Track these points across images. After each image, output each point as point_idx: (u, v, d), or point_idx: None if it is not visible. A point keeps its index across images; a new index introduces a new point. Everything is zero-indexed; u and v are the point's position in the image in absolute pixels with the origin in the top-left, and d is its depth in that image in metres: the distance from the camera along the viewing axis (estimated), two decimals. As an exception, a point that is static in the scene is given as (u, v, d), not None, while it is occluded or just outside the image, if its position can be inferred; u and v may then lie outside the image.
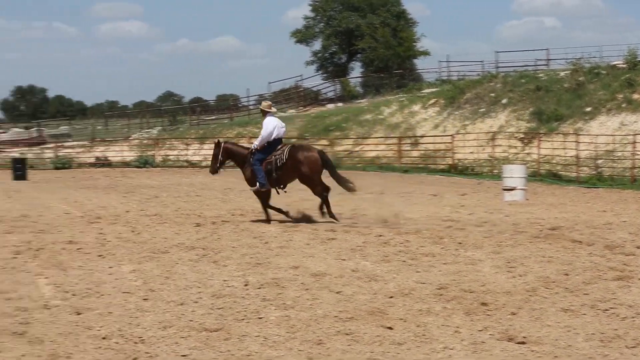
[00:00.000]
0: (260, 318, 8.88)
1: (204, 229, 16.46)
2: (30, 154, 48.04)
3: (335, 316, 8.93)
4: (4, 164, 43.86)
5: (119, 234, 15.64)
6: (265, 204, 17.94)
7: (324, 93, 65.86)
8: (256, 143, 17.92)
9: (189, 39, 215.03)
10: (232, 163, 18.80)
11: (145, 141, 52.86)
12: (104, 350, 7.64)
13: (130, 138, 56.44)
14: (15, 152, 48.78)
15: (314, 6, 68.28)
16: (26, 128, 71.45)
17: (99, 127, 73.70)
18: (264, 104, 18.39)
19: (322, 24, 68.43)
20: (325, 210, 17.71)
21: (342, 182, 17.68)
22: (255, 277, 11.11)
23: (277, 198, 18.13)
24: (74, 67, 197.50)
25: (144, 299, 9.80)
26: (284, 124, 18.41)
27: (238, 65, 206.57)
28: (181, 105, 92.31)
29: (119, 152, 48.95)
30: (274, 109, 18.47)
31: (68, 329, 8.36)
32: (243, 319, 8.84)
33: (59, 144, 52.35)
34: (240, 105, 72.15)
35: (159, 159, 46.41)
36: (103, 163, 46.15)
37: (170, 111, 76.59)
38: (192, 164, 45.44)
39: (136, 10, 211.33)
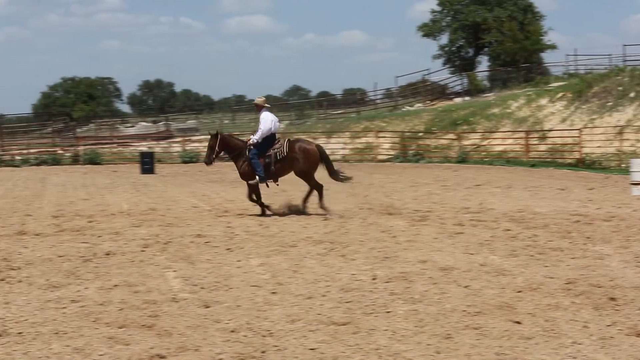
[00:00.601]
0: (388, 312, 8.94)
1: (332, 222, 16.57)
2: (158, 147, 49.34)
3: (464, 310, 8.93)
4: (132, 158, 45.14)
5: (247, 227, 15.92)
6: (258, 197, 18.43)
7: (451, 87, 65.63)
8: (256, 137, 18.20)
9: (316, 33, 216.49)
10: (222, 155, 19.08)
11: (272, 135, 53.50)
12: (232, 343, 7.81)
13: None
14: (143, 146, 50.12)
15: (441, 0, 68.11)
16: (154, 122, 73.38)
17: (226, 121, 75.08)
18: (259, 99, 18.83)
19: (449, 17, 68.45)
20: (306, 203, 18.45)
21: (337, 175, 18.67)
22: (383, 271, 11.19)
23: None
24: (201, 61, 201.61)
25: (272, 293, 9.98)
26: (278, 119, 18.98)
27: (365, 59, 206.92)
28: (308, 100, 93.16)
29: (246, 146, 49.79)
30: (267, 105, 18.83)
31: (196, 321, 8.59)
32: (371, 313, 8.92)
33: (187, 138, 53.52)
34: (367, 99, 72.36)
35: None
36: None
37: (297, 105, 77.40)
38: (319, 158, 45.82)
39: (263, 5, 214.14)
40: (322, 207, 18.08)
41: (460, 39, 67.99)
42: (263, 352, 7.54)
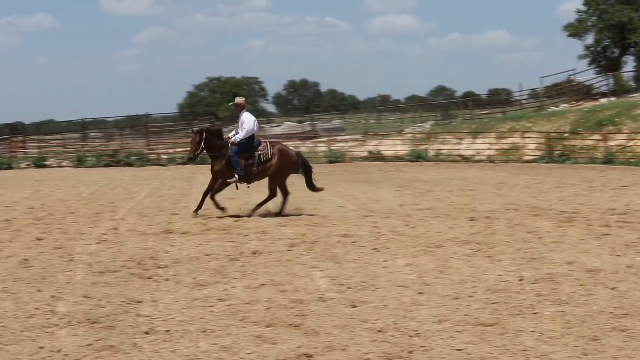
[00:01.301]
0: (535, 313, 8.91)
1: (478, 223, 16.51)
2: (303, 147, 49.81)
3: (611, 312, 8.86)
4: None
5: (393, 227, 15.94)
6: (214, 194, 18.60)
7: (597, 87, 64.49)
8: (240, 136, 18.39)
9: (460, 33, 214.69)
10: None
11: (417, 135, 53.41)
12: (379, 343, 7.85)
13: (403, 132, 57.25)
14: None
15: (587, 0, 66.99)
16: (299, 122, 74.24)
17: (372, 121, 75.36)
18: (239, 99, 19.15)
19: (595, 17, 67.69)
20: (282, 208, 18.74)
21: (314, 187, 19.55)
22: (530, 272, 11.15)
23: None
24: (345, 61, 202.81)
25: (419, 293, 10.01)
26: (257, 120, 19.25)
27: (509, 59, 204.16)
28: (453, 100, 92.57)
29: (391, 146, 49.78)
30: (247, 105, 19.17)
31: (343, 321, 8.66)
32: (518, 314, 8.90)
33: (332, 138, 53.93)
34: (512, 100, 71.57)
35: (431, 153, 46.70)
36: (376, 157, 47.07)
37: (443, 105, 77.13)
38: (465, 158, 45.38)
39: (408, 4, 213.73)
40: (281, 212, 18.51)
41: (605, 38, 67.11)
42: (410, 352, 7.57)
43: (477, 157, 45.02)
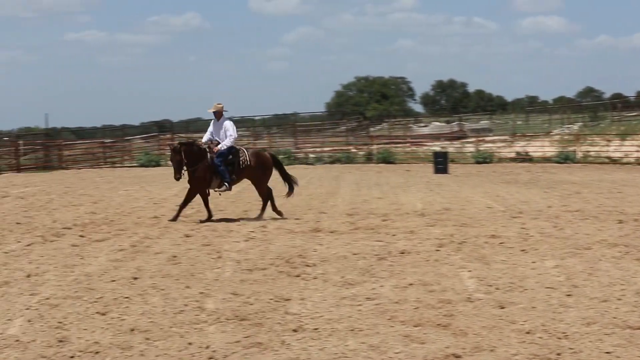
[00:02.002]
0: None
1: (627, 226, 16.13)
2: (451, 147, 49.49)
3: None
4: (425, 158, 45.60)
5: (541, 229, 15.66)
6: (186, 203, 18.27)
7: None
8: (227, 143, 18.07)
9: (609, 35, 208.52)
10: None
11: (565, 137, 52.30)
12: (527, 344, 7.74)
13: (551, 133, 56.16)
14: (437, 146, 50.51)
15: None
16: (447, 122, 73.72)
17: (519, 122, 74.17)
18: (219, 105, 18.48)
19: None
20: (275, 208, 18.51)
21: (291, 181, 19.28)
22: None
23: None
24: (493, 61, 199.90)
25: (567, 295, 9.83)
26: None
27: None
28: (601, 101, 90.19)
29: (539, 148, 48.88)
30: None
31: (492, 322, 8.55)
32: None
33: (480, 139, 53.35)
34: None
35: (579, 154, 45.60)
36: (524, 158, 46.31)
37: (591, 107, 75.31)
38: (613, 161, 44.12)
39: (557, 5, 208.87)
40: (259, 217, 18.19)
41: None
42: (558, 354, 7.46)
43: (625, 160, 43.71)
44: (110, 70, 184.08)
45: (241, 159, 18.37)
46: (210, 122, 18.73)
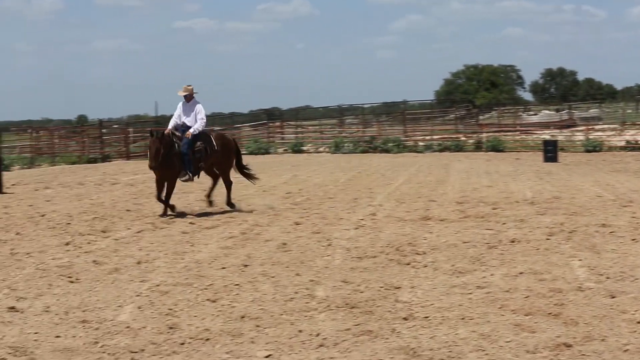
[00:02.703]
0: None
1: None
2: (560, 136, 48.57)
3: None
4: (534, 146, 44.89)
5: (654, 218, 15.29)
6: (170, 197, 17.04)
7: None
8: (198, 127, 16.99)
9: None
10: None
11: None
12: (638, 334, 7.57)
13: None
14: (546, 134, 49.65)
15: None
16: (556, 111, 72.41)
17: (629, 111, 72.38)
18: (190, 87, 17.34)
19: None
20: (211, 199, 17.85)
21: (243, 170, 18.56)
22: None
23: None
24: (603, 49, 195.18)
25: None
26: None
27: None
28: None
29: (650, 136, 47.58)
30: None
31: (602, 311, 8.38)
32: None
33: (590, 127, 52.20)
34: None
35: (691, 142, 44.22)
36: (634, 147, 45.12)
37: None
38: None
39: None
40: (230, 203, 17.71)
41: None
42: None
43: None
44: (219, 58, 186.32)
45: (207, 145, 17.25)
46: (177, 105, 17.40)
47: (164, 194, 16.82)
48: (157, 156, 16.43)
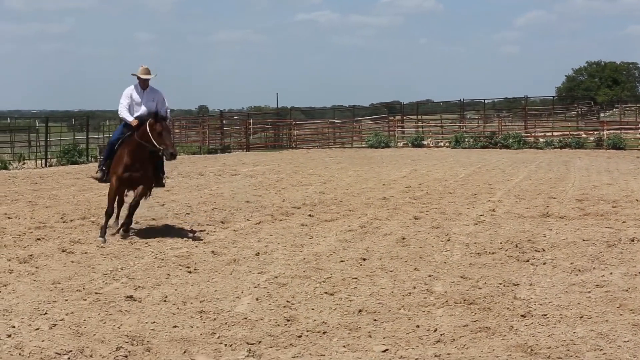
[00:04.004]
0: None
1: None
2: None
3: None
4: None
5: None
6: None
7: None
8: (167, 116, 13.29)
9: None
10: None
11: None
12: None
13: None
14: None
15: None
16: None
17: None
18: (145, 67, 13.30)
19: None
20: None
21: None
22: None
23: None
24: None
25: None
26: None
27: None
28: None
29: None
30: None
31: None
32: None
33: None
34: None
35: None
36: None
37: None
38: None
39: None
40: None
41: None
42: None
43: None
44: (342, 51, 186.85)
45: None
46: (128, 91, 13.35)
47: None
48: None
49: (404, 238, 12.79)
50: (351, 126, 54.55)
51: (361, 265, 10.76)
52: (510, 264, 10.75)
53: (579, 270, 10.28)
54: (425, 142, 49.11)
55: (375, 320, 8.05)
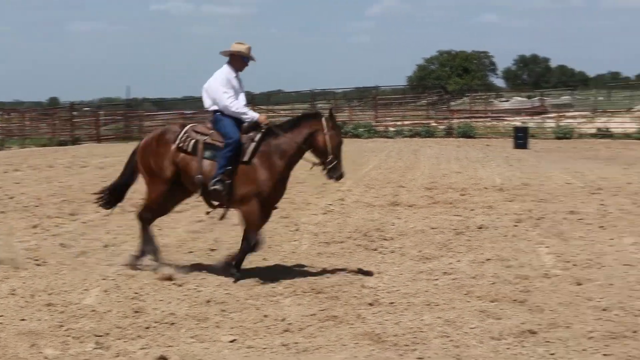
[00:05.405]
0: None
1: None
2: (531, 123, 48.74)
3: None
4: (505, 132, 45.05)
5: (621, 205, 15.41)
6: None
7: None
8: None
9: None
10: None
11: (647, 113, 51.15)
12: (603, 321, 7.64)
13: (633, 109, 54.95)
14: (517, 121, 49.82)
15: None
16: (528, 97, 72.65)
17: (601, 98, 72.73)
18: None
19: None
20: None
21: None
22: None
23: None
24: (577, 36, 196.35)
25: (645, 272, 9.70)
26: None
27: None
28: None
29: (620, 124, 47.82)
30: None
31: (568, 298, 8.45)
32: None
33: (561, 114, 52.45)
34: None
35: (661, 131, 44.46)
36: (604, 134, 45.42)
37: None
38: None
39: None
40: None
41: None
42: (635, 331, 7.35)
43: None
44: (195, 41, 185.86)
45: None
46: (227, 75, 10.07)
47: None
48: None
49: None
50: (202, 117, 54.15)
51: (210, 255, 10.76)
52: (358, 253, 10.94)
53: (427, 258, 10.55)
54: (275, 132, 49.27)
55: (223, 310, 8.09)
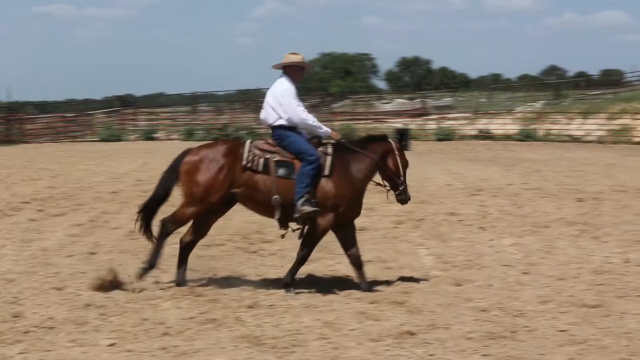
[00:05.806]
0: None
1: (585, 204, 16.33)
2: (413, 124, 49.50)
3: None
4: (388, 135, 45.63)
5: (501, 207, 15.75)
6: None
7: None
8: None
9: (576, 12, 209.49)
10: None
11: (528, 114, 52.52)
12: (482, 322, 7.77)
13: (514, 111, 56.39)
14: (399, 123, 50.52)
15: None
16: (410, 99, 73.77)
17: (482, 100, 74.41)
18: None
19: None
20: None
21: None
22: (636, 255, 11.07)
23: None
24: (459, 39, 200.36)
25: (524, 273, 9.96)
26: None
27: (624, 40, 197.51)
28: (565, 80, 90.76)
29: (501, 125, 49.02)
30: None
31: (447, 300, 8.58)
32: (623, 296, 8.84)
33: (442, 116, 53.46)
34: (624, 81, 69.84)
35: (541, 132, 45.77)
36: (485, 136, 46.47)
37: (554, 85, 75.74)
38: (574, 139, 44.34)
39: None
40: None
41: None
42: (513, 332, 7.48)
43: (586, 138, 43.94)
44: (77, 44, 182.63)
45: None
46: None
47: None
48: None
49: (133, 231, 12.50)
50: (83, 120, 53.56)
51: (89, 259, 10.67)
52: (238, 255, 10.93)
53: (309, 260, 10.53)
54: (157, 135, 48.92)
55: (102, 314, 8.00)
